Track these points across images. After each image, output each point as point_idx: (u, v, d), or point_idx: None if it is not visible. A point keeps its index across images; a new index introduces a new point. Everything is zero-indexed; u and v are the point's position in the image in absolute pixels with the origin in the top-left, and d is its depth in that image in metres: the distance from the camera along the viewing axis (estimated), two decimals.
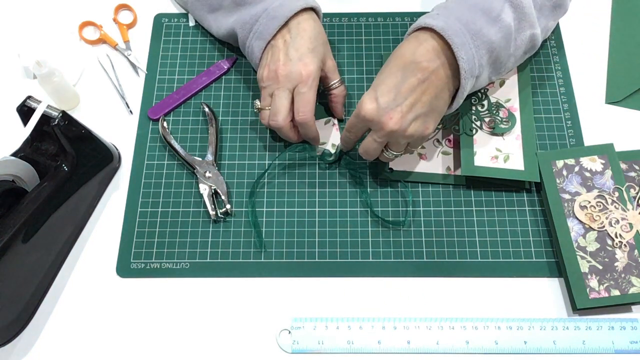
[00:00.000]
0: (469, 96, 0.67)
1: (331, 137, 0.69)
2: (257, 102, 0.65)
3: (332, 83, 0.66)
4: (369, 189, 0.66)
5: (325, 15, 0.77)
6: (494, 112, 0.67)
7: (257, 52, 0.65)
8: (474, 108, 0.67)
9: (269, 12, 0.64)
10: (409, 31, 0.60)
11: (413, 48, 0.57)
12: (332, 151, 0.67)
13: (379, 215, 0.64)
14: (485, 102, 0.68)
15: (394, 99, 0.56)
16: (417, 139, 0.59)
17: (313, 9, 0.66)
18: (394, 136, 0.57)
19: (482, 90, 0.68)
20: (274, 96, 0.63)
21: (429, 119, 0.58)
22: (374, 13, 0.77)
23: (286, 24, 0.64)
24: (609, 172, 0.64)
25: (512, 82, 0.70)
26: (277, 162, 0.67)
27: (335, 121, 0.70)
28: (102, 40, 0.76)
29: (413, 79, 0.56)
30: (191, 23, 0.77)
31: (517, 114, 0.67)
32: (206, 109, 0.69)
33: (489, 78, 0.63)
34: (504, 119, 0.67)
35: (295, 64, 0.62)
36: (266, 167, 0.67)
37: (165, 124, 0.69)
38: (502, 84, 0.69)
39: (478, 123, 0.67)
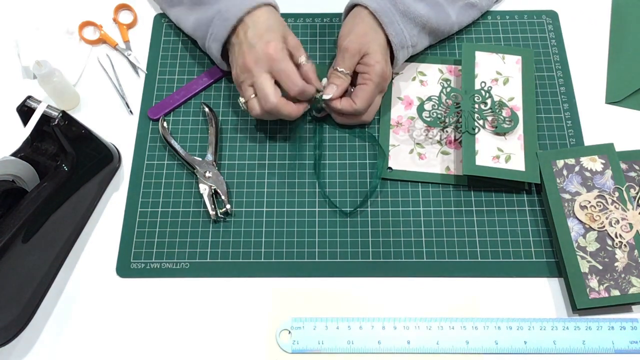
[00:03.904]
0: (473, 95, 0.67)
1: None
2: (241, 98, 0.65)
3: (300, 58, 0.64)
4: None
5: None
6: (497, 110, 0.67)
7: (216, 53, 0.67)
8: (477, 106, 0.67)
9: (222, 14, 0.65)
10: (350, 5, 0.69)
11: (367, 23, 0.66)
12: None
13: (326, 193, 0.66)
14: (489, 101, 0.67)
15: (385, 51, 0.67)
16: None
17: (269, 5, 0.66)
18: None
19: (486, 89, 0.68)
20: (255, 84, 0.62)
21: None
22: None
23: (242, 20, 0.64)
24: (609, 172, 0.64)
25: (516, 80, 0.69)
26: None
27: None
28: (102, 40, 0.76)
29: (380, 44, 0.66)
30: None
31: (520, 114, 0.67)
32: (206, 109, 0.69)
33: (429, 43, 0.73)
34: (506, 119, 0.67)
35: (258, 47, 0.62)
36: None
37: (165, 124, 0.69)
38: (506, 82, 0.69)
39: (481, 122, 0.67)
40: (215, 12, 0.66)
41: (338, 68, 0.66)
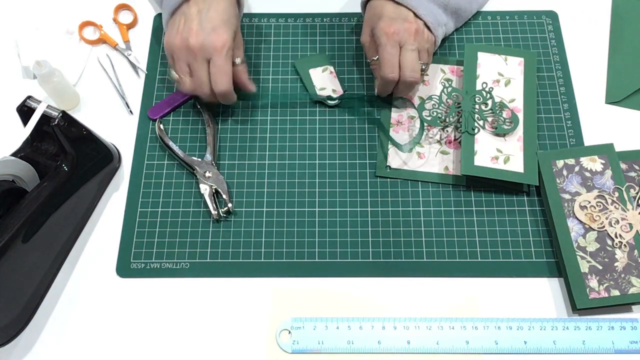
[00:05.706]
0: (474, 95, 0.67)
1: (330, 84, 0.72)
2: (173, 72, 0.66)
3: (236, 59, 0.66)
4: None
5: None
6: (498, 112, 0.67)
7: (164, 23, 0.68)
8: (477, 107, 0.67)
9: None
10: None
11: (391, 7, 0.66)
12: (334, 95, 0.71)
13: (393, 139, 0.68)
14: (490, 102, 0.68)
15: (400, 14, 0.66)
16: (432, 45, 0.69)
17: None
18: (419, 37, 0.65)
19: (487, 90, 0.68)
20: (193, 69, 0.64)
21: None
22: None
23: None
24: (609, 172, 0.64)
25: (518, 82, 0.69)
26: (289, 101, 0.72)
27: (332, 68, 0.73)
28: (102, 40, 0.76)
29: (404, 18, 0.66)
30: None
31: (521, 115, 0.67)
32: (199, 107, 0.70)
33: (455, 26, 0.74)
34: (507, 120, 0.67)
35: (208, 34, 0.62)
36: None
37: (161, 125, 0.69)
38: (507, 83, 0.69)
39: (481, 122, 0.67)
40: None
41: (369, 60, 0.69)
